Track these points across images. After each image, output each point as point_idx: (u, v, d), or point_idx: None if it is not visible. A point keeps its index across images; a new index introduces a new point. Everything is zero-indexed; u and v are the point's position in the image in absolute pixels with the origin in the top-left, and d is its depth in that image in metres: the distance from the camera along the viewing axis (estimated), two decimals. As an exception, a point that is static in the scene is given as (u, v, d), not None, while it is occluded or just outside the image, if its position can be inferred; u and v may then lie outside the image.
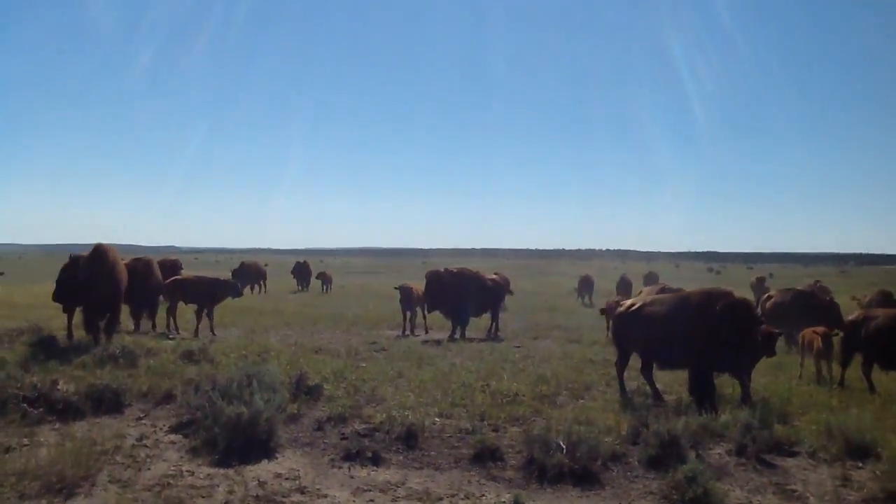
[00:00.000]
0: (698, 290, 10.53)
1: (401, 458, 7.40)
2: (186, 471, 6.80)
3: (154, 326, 15.69)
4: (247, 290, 30.78)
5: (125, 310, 14.42)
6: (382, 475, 6.91)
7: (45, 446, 7.09)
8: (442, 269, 18.28)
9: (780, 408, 9.66)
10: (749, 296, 22.42)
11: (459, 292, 17.42)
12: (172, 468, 6.85)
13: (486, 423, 8.54)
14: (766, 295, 19.51)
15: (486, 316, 18.59)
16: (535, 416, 8.92)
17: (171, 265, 24.81)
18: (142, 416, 8.52)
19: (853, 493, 6.64)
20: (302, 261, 37.71)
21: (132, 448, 7.33)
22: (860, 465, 7.36)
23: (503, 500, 6.30)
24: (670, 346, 9.88)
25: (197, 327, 15.77)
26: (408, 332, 17.70)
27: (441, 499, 6.33)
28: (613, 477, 6.98)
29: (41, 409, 8.15)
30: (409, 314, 17.98)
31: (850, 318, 12.48)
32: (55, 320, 14.87)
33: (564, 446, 7.13)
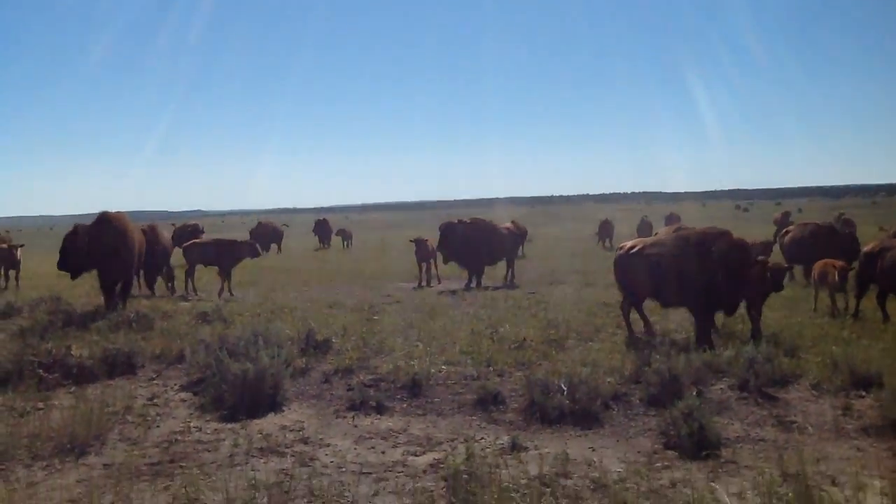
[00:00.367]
0: (696, 229, 10.54)
1: (404, 406, 7.53)
2: (194, 427, 6.99)
3: (171, 290, 15.90)
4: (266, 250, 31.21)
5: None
6: (385, 423, 7.04)
7: (59, 409, 7.31)
8: (455, 220, 18.30)
9: (789, 341, 9.65)
10: (772, 231, 22.19)
11: (473, 242, 17.46)
12: (181, 425, 7.04)
13: (491, 368, 8.66)
14: (784, 230, 19.30)
15: (503, 264, 18.64)
16: (541, 361, 8.99)
17: (191, 229, 25.25)
18: (154, 376, 8.73)
19: (853, 422, 6.67)
20: (322, 218, 37.95)
21: (143, 407, 7.53)
22: (863, 394, 7.37)
23: (501, 441, 6.39)
24: (669, 287, 9.98)
25: (221, 288, 16.03)
26: (424, 284, 17.83)
27: (441, 443, 6.45)
28: (613, 416, 7.05)
29: (56, 375, 8.35)
30: (424, 266, 18.10)
31: (866, 248, 12.36)
32: (76, 288, 15.19)
33: (566, 388, 7.20)
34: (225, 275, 16.19)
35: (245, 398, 7.41)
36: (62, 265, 12.48)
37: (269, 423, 7.08)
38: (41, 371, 8.33)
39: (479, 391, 7.55)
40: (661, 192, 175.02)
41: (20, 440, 6.41)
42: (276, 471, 5.83)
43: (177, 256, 18.08)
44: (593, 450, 6.23)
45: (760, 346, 8.47)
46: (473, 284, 17.30)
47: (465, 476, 5.33)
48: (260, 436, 6.67)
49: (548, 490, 5.28)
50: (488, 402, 7.40)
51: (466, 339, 9.96)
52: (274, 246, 31.41)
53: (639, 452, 6.13)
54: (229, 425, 7.01)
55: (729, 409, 7.10)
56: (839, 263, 12.76)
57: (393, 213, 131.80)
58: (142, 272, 15.22)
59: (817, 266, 13.35)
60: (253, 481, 5.53)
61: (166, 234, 16.50)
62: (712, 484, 5.43)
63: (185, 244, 17.75)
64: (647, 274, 10.25)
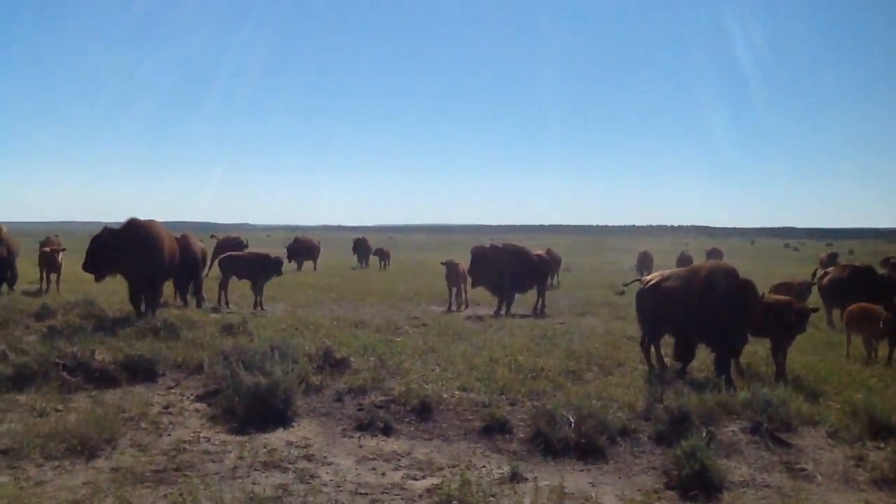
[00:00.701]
0: (706, 264, 10.51)
1: (412, 429, 7.56)
2: (203, 437, 7.12)
3: (199, 302, 16.16)
4: (304, 265, 31.53)
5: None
6: (391, 445, 7.08)
7: (76, 412, 7.51)
8: (487, 245, 18.32)
9: (812, 386, 9.49)
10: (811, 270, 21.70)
11: (504, 268, 17.43)
12: (191, 434, 7.18)
13: (504, 397, 8.62)
14: (823, 271, 18.92)
15: (534, 293, 18.58)
16: (555, 392, 8.93)
17: (235, 242, 25.70)
18: (173, 385, 8.90)
19: (865, 473, 6.51)
20: (361, 237, 38.29)
21: (157, 415, 7.69)
22: (881, 445, 7.18)
23: (502, 470, 6.38)
24: (678, 322, 10.06)
25: (256, 301, 16.30)
26: (453, 308, 17.84)
27: (442, 468, 6.46)
28: (619, 452, 6.99)
29: (79, 378, 8.58)
30: (454, 290, 18.12)
31: (900, 295, 12.04)
32: (114, 295, 15.55)
33: (573, 421, 7.17)
34: (257, 289, 16.44)
35: (256, 411, 7.54)
36: (87, 266, 12.81)
37: (276, 437, 7.18)
38: (64, 373, 8.59)
39: (486, 419, 7.55)
40: (708, 227, 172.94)
41: (35, 439, 6.60)
42: (276, 485, 5.92)
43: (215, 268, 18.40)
44: (593, 485, 6.20)
45: (778, 389, 8.32)
46: (503, 311, 17.25)
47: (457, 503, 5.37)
48: (265, 450, 6.77)
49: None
50: (494, 431, 7.40)
51: (483, 366, 9.94)
52: (310, 263, 31.73)
53: (638, 490, 6.07)
54: (237, 437, 7.13)
55: (738, 452, 6.98)
56: (875, 308, 12.47)
57: (439, 235, 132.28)
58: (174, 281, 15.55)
59: (850, 309, 13.08)
60: (251, 494, 5.63)
61: (200, 244, 16.76)
62: (708, 527, 5.37)
63: (220, 257, 18.10)
64: (659, 308, 10.37)
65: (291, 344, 9.25)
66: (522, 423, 7.61)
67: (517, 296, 18.69)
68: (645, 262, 32.06)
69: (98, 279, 13.20)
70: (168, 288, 15.57)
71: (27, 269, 19.42)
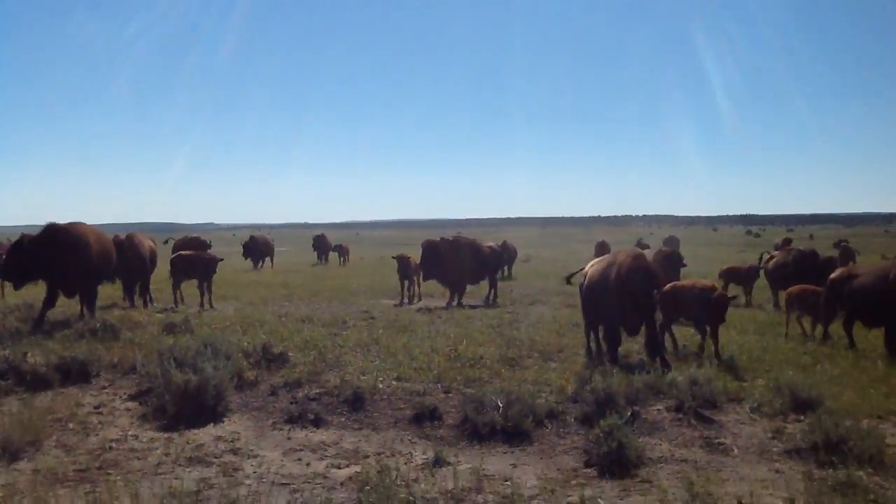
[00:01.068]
0: (619, 253, 10.79)
1: (343, 419, 7.61)
2: (131, 435, 7.09)
3: (146, 302, 16.04)
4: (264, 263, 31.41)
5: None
6: (319, 436, 7.12)
7: (3, 415, 7.43)
8: (438, 238, 18.41)
9: (746, 364, 9.73)
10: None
11: (455, 260, 17.54)
12: (119, 433, 7.14)
13: (439, 385, 8.72)
14: (769, 255, 19.28)
15: (487, 283, 18.70)
16: (492, 379, 9.04)
17: (197, 243, 25.39)
18: (106, 385, 8.84)
19: (780, 445, 6.69)
20: (320, 234, 38.22)
21: (87, 415, 7.65)
22: (801, 419, 7.37)
23: (427, 456, 6.45)
24: (601, 308, 10.46)
25: (203, 300, 16.23)
26: (405, 302, 17.91)
27: (368, 456, 6.51)
28: (545, 434, 7.10)
29: (10, 381, 8.50)
30: (406, 283, 18.20)
31: (833, 275, 12.34)
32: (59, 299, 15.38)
33: (501, 405, 7.27)
34: (205, 287, 16.35)
35: (186, 408, 7.52)
36: (4, 274, 12.66)
37: (205, 433, 7.17)
38: (-5, 377, 8.48)
39: (416, 407, 7.62)
40: (671, 216, 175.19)
41: (-43, 444, 6.52)
42: (198, 480, 5.92)
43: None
44: (515, 466, 6.29)
45: (704, 368, 8.51)
46: (454, 303, 17.36)
47: (375, 490, 5.42)
48: (192, 446, 6.76)
49: (457, 504, 5.34)
50: (424, 418, 7.47)
51: (422, 356, 10.03)
52: (261, 260, 31.64)
53: (559, 470, 6.17)
54: (166, 434, 7.11)
55: (661, 430, 7.14)
56: (815, 288, 12.78)
57: (407, 231, 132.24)
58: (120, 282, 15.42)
59: (790, 291, 13.40)
60: (170, 489, 5.63)
61: (148, 244, 16.61)
62: (620, 501, 5.49)
63: (172, 257, 17.97)
64: (586, 295, 10.81)
65: (227, 340, 9.24)
66: (453, 410, 7.70)
67: (470, 287, 18.84)
68: (602, 253, 32.24)
69: (17, 287, 13.02)
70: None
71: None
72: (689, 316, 10.89)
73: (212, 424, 7.42)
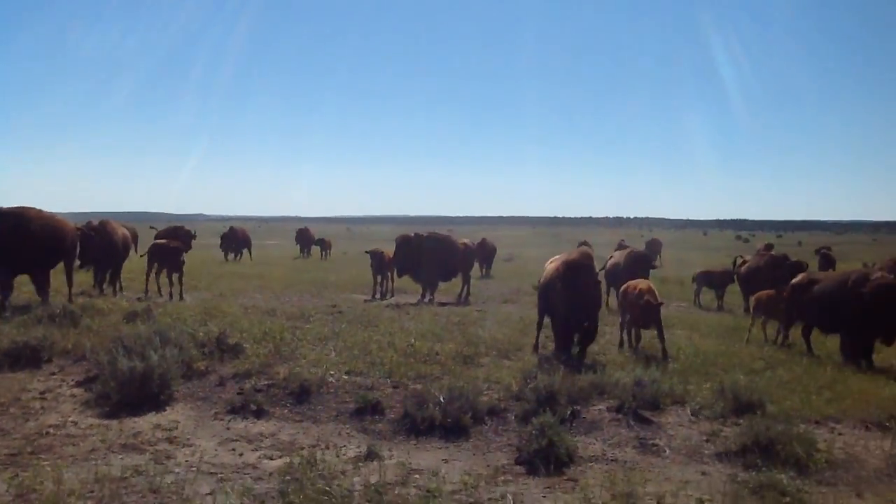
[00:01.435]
0: (568, 255, 10.96)
1: (285, 411, 7.64)
2: (71, 421, 7.11)
3: (115, 290, 16.06)
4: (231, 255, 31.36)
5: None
6: (258, 427, 7.15)
7: (-53, 399, 7.45)
8: (412, 234, 18.42)
9: (700, 367, 9.78)
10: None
11: (428, 257, 17.55)
12: (60, 419, 7.16)
13: (389, 380, 8.74)
14: (742, 259, 19.37)
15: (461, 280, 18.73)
16: (444, 375, 9.06)
17: (182, 233, 25.25)
18: (56, 371, 8.84)
19: (713, 447, 6.74)
20: (303, 227, 38.22)
21: (30, 400, 7.66)
22: (739, 422, 7.42)
23: (360, 449, 6.49)
24: (544, 303, 11.00)
25: (172, 290, 16.23)
26: (377, 297, 17.93)
27: (302, 448, 6.54)
28: (483, 430, 7.14)
29: (-43, 365, 8.49)
30: (379, 278, 18.22)
31: (794, 281, 12.41)
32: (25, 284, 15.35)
33: (442, 401, 7.31)
34: (175, 277, 16.33)
35: (131, 396, 7.54)
36: None
37: (144, 421, 7.19)
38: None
39: (359, 401, 7.65)
40: (666, 219, 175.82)
41: None
42: (128, 467, 5.94)
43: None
44: (446, 461, 6.34)
45: (651, 369, 8.57)
46: (426, 299, 17.39)
47: (297, 481, 5.46)
48: (129, 433, 6.79)
49: (378, 497, 5.37)
50: (366, 412, 7.51)
51: (378, 351, 10.05)
52: (240, 252, 31.66)
53: (488, 466, 6.22)
54: (106, 421, 7.13)
55: (598, 429, 7.19)
56: (778, 293, 12.85)
57: (398, 227, 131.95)
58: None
59: (758, 295, 13.49)
60: (97, 475, 5.65)
61: (122, 231, 16.59)
62: (542, 499, 5.54)
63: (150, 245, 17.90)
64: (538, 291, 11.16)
65: (179, 330, 9.24)
66: (397, 405, 7.73)
67: (445, 285, 18.88)
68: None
69: None
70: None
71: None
72: (631, 316, 11.10)
73: (153, 412, 7.45)
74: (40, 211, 13.41)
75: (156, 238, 22.69)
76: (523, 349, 11.06)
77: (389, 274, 18.46)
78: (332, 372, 8.84)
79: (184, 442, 6.66)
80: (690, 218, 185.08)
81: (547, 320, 11.18)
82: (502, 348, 10.96)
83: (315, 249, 36.17)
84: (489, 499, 5.48)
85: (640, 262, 16.46)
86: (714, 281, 19.16)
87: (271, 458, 6.30)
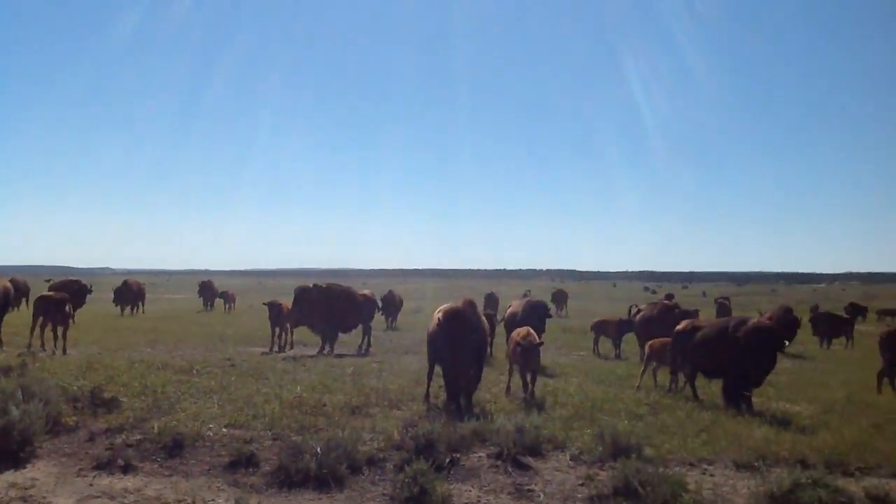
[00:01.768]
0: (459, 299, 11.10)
1: (155, 466, 7.34)
2: (-81, 482, 6.66)
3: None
4: (128, 309, 30.49)
5: None
6: (124, 483, 6.84)
7: None
8: (311, 285, 18.26)
9: (589, 413, 9.91)
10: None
11: (328, 308, 17.40)
12: None
13: (270, 432, 8.53)
14: (637, 309, 19.96)
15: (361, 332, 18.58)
16: (330, 426, 8.91)
17: (77, 286, 24.31)
18: None
19: (587, 492, 6.81)
20: (206, 280, 37.47)
21: None
22: (615, 465, 7.52)
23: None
24: (431, 350, 11.05)
25: (54, 344, 15.58)
26: (275, 349, 17.60)
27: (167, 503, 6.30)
28: (360, 480, 7.03)
29: None
30: (277, 330, 17.92)
31: (678, 327, 12.84)
32: None
33: (319, 452, 7.17)
34: (56, 331, 15.72)
35: (-12, 453, 7.12)
36: None
37: (2, 479, 6.79)
38: None
39: (233, 454, 7.44)
40: (576, 271, 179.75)
41: None
42: (-27, 529, 5.59)
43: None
44: (311, 513, 6.19)
45: (533, 415, 8.65)
46: (325, 351, 17.17)
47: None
48: (-20, 492, 6.39)
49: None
50: (241, 465, 7.30)
51: (262, 403, 9.83)
52: (135, 305, 30.89)
53: (361, 516, 6.11)
54: (-43, 481, 6.70)
55: (476, 476, 7.18)
56: (669, 341, 13.23)
57: (310, 280, 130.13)
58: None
59: (651, 343, 13.87)
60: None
61: (1, 284, 15.92)
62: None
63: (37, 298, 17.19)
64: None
65: (48, 384, 8.82)
66: (273, 458, 7.53)
67: (347, 336, 18.71)
68: (490, 303, 32.80)
69: None
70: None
71: None
72: (513, 358, 11.59)
73: (12, 470, 7.05)
74: None
75: (48, 290, 21.83)
76: (416, 399, 11.00)
77: (289, 326, 18.17)
78: (210, 425, 8.58)
79: (39, 500, 6.32)
80: (600, 270, 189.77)
81: (439, 369, 11.17)
82: (394, 398, 10.87)
83: (219, 303, 35.41)
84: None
85: (537, 311, 16.74)
86: (609, 330, 19.64)
87: (132, 515, 6.04)
